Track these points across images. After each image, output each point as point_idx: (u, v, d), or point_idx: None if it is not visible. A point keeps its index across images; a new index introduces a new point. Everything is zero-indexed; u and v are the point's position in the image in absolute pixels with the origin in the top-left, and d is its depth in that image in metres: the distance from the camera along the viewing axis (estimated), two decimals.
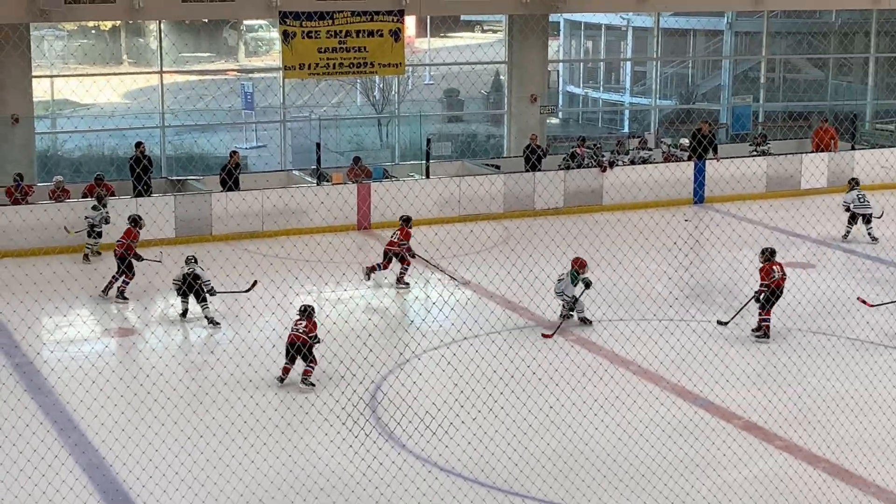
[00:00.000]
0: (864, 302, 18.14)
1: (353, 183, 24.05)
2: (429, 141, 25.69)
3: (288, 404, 13.28)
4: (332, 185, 23.90)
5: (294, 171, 25.66)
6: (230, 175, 23.23)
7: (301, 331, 14.84)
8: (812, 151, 28.00)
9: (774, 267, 17.00)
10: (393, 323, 18.02)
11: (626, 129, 33.26)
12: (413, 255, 19.87)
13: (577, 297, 17.24)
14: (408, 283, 19.74)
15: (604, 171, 25.38)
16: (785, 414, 13.61)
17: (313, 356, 14.80)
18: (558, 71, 36.22)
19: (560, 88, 36.37)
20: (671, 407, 14.26)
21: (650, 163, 26.35)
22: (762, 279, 17.00)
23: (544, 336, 16.94)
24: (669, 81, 35.40)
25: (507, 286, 18.11)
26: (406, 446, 13.06)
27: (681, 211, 24.94)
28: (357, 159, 25.01)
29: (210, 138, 27.47)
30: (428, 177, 25.01)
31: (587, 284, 17.22)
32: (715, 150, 26.62)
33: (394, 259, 19.83)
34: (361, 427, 12.47)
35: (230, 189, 23.09)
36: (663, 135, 29.13)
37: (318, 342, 14.93)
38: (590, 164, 25.64)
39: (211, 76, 30.61)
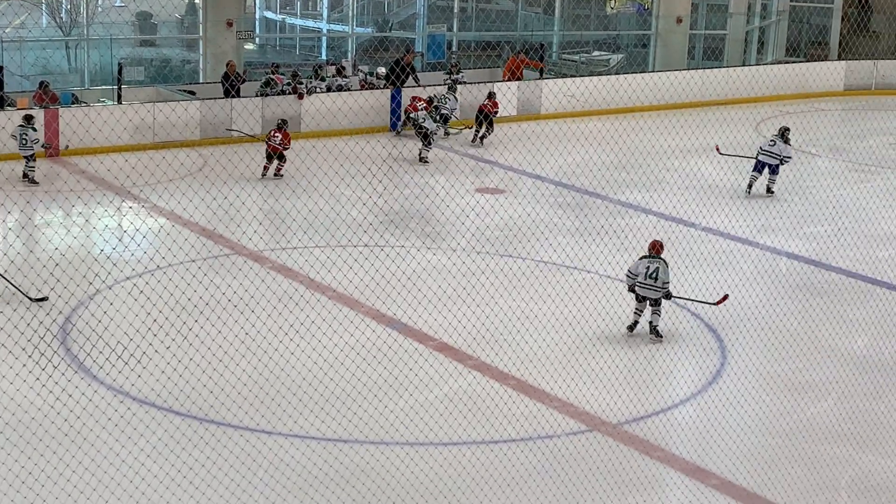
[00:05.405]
0: (718, 150, 21.73)
1: (39, 108, 23.03)
2: (120, 66, 24.88)
3: None
4: (16, 110, 22.81)
5: None
6: None
7: (278, 143, 21.48)
8: (504, 80, 28.85)
9: None
10: (82, 252, 17.44)
11: (324, 57, 33.21)
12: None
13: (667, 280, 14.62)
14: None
15: (301, 98, 25.30)
16: (474, 334, 14.09)
17: (284, 157, 21.51)
18: None
19: (257, 14, 35.87)
20: (366, 331, 14.51)
21: (347, 90, 26.47)
22: None
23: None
24: (366, 9, 35.51)
25: (202, 213, 17.87)
26: (97, 377, 12.77)
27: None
28: (43, 83, 23.92)
29: None
30: (120, 102, 24.24)
31: None
32: (416, 80, 27.17)
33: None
34: (49, 359, 12.06)
35: None
36: (360, 62, 29.26)
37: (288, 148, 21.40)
38: (286, 91, 25.51)
39: None
